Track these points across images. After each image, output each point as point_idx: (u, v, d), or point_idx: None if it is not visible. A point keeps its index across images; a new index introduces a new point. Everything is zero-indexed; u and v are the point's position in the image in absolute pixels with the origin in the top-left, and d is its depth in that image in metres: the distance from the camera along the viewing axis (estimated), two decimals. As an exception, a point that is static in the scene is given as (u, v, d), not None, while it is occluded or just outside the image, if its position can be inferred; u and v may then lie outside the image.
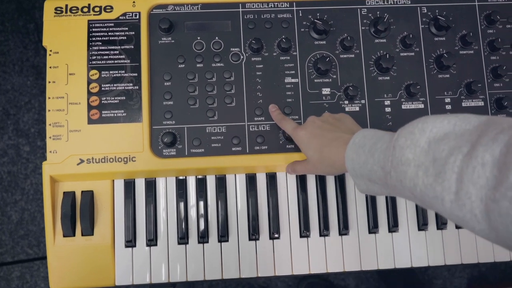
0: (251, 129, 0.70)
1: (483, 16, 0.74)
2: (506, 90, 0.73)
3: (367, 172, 0.50)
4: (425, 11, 0.74)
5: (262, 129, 0.70)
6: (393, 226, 0.70)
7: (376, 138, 0.51)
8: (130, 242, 0.68)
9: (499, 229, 0.37)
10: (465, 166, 0.39)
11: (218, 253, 0.69)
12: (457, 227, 0.72)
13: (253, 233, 0.69)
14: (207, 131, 0.69)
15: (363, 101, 0.71)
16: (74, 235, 0.67)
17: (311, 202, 0.71)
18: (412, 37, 0.71)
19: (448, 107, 0.72)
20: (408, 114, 0.71)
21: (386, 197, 0.72)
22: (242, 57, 0.71)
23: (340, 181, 0.71)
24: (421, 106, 0.72)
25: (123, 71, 0.69)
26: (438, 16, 0.72)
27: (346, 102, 0.71)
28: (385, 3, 0.74)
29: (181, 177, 0.70)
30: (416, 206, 0.72)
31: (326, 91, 0.71)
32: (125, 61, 0.69)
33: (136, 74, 0.69)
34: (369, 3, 0.74)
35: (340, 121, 0.63)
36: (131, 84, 0.69)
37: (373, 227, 0.70)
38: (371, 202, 0.71)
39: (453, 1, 0.75)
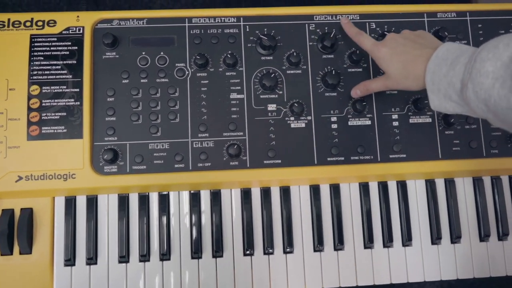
0: (194, 146, 0.70)
1: (432, 32, 0.75)
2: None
3: (445, 85, 0.53)
4: (374, 27, 0.75)
5: (206, 145, 0.70)
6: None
7: (459, 51, 0.53)
8: (69, 261, 0.68)
9: None
10: None
11: (159, 273, 0.69)
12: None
13: (196, 252, 0.69)
14: (149, 147, 0.70)
15: (309, 117, 0.72)
16: (11, 254, 0.67)
17: (255, 220, 0.71)
18: (359, 53, 0.72)
19: (395, 123, 0.73)
20: (354, 131, 0.72)
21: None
22: (187, 72, 0.72)
23: (285, 193, 0.72)
24: (368, 122, 0.72)
25: (65, 87, 0.69)
26: (385, 32, 0.73)
27: (292, 118, 0.72)
28: (334, 18, 0.75)
29: (123, 194, 0.70)
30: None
31: (272, 107, 0.72)
32: (67, 76, 0.70)
33: (78, 90, 0.69)
34: (317, 19, 0.75)
35: (421, 37, 0.63)
36: (73, 100, 0.69)
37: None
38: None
39: (403, 16, 0.76)
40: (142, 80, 0.71)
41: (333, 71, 0.71)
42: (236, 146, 0.69)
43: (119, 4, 1.43)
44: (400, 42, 0.63)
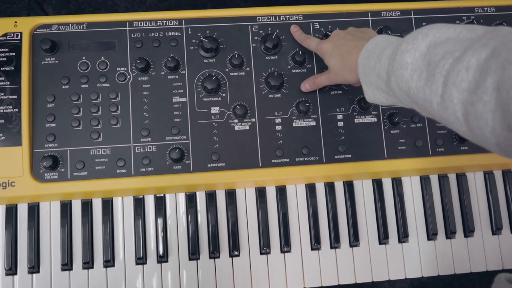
0: (137, 151, 0.71)
1: (376, 31, 0.76)
2: (399, 106, 0.75)
3: (375, 77, 0.55)
4: (318, 27, 0.76)
5: (148, 150, 0.71)
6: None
7: (386, 44, 0.54)
8: (11, 270, 0.68)
9: (476, 132, 0.41)
10: (451, 69, 0.42)
11: (104, 281, 0.69)
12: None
13: (140, 259, 0.70)
14: (91, 153, 0.70)
15: (253, 120, 0.73)
16: (-50, 265, 0.67)
17: (221, 223, 0.72)
18: (301, 53, 0.73)
19: (340, 123, 0.74)
20: (299, 132, 0.73)
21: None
22: (128, 77, 0.72)
23: (231, 196, 0.72)
24: (313, 123, 0.74)
25: (2, 94, 0.70)
26: (327, 33, 0.74)
27: (236, 121, 0.73)
28: (277, 19, 0.76)
29: (65, 201, 0.71)
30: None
31: (215, 110, 0.73)
32: (4, 83, 0.70)
33: (15, 96, 0.70)
34: (260, 20, 0.76)
35: (362, 32, 0.66)
36: (11, 107, 0.70)
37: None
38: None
39: (347, 16, 0.77)
40: (82, 86, 0.72)
41: (276, 72, 0.72)
42: (178, 150, 0.69)
43: (82, 8, 1.43)
44: (342, 36, 0.66)
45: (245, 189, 0.74)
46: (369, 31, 0.67)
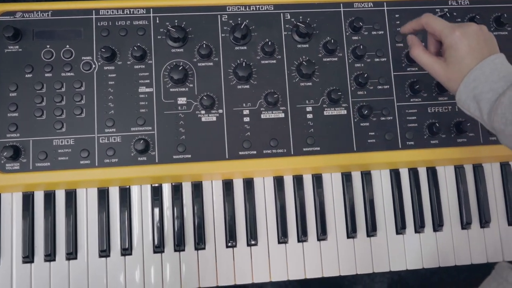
0: (101, 141, 0.71)
1: (348, 23, 0.77)
2: (370, 98, 0.75)
3: (487, 89, 0.58)
4: (288, 18, 0.76)
5: (113, 141, 0.71)
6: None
7: (489, 82, 0.58)
8: (-30, 262, 0.68)
9: None
10: None
11: (65, 274, 0.69)
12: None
13: (103, 251, 0.70)
14: (54, 143, 0.70)
15: (220, 111, 0.73)
16: None
17: (165, 218, 0.72)
18: (271, 44, 0.73)
19: (310, 115, 0.74)
20: (267, 124, 0.73)
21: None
22: (94, 66, 0.72)
23: (197, 188, 0.72)
24: (282, 115, 0.74)
25: (-37, 82, 0.69)
26: (298, 23, 0.74)
27: (203, 112, 0.73)
28: (247, 9, 0.76)
29: (28, 193, 0.71)
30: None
31: (182, 100, 0.73)
32: (-35, 71, 0.69)
33: (-23, 85, 0.69)
34: (230, 10, 0.76)
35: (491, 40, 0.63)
36: (-29, 96, 0.69)
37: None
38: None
39: (318, 7, 0.77)
40: (46, 75, 0.71)
41: (244, 63, 0.72)
42: (143, 141, 0.69)
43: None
44: (480, 39, 0.62)
45: (212, 181, 0.74)
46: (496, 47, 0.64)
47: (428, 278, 1.39)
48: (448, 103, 0.77)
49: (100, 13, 0.74)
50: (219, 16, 0.76)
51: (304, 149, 0.73)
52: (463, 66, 0.61)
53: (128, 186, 0.73)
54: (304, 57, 0.75)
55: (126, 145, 0.71)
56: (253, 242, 0.73)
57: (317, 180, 0.75)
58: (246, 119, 0.73)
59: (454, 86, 0.62)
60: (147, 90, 0.73)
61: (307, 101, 0.75)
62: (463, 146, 0.76)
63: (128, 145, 0.71)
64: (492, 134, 0.77)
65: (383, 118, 0.75)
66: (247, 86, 0.74)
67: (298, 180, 0.75)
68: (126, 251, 0.71)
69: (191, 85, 0.73)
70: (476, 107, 0.59)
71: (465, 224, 0.77)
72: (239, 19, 0.76)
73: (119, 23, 0.74)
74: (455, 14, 0.79)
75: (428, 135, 0.76)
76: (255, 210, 0.74)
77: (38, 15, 0.73)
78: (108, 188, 0.73)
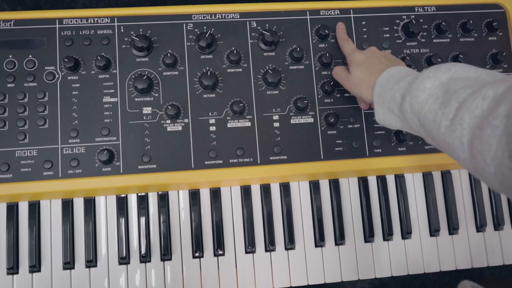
0: (65, 152, 0.70)
1: (314, 30, 0.77)
2: (337, 106, 0.76)
3: (388, 98, 0.59)
4: (255, 26, 0.77)
5: (77, 151, 0.71)
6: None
7: (408, 73, 0.60)
8: None
9: (477, 158, 0.43)
10: (468, 97, 0.46)
11: (29, 287, 0.69)
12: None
13: (67, 263, 0.69)
14: (16, 155, 0.70)
15: (186, 120, 0.73)
16: None
17: (131, 229, 0.72)
18: (236, 52, 0.74)
19: (276, 124, 0.74)
20: (234, 133, 0.73)
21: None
22: (57, 76, 0.72)
23: (162, 198, 0.72)
24: (248, 124, 0.74)
25: None
26: (264, 31, 0.74)
27: (168, 121, 0.73)
28: (213, 17, 0.76)
29: (-10, 205, 0.70)
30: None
31: (147, 110, 0.73)
32: None
33: None
34: (195, 18, 0.76)
35: (397, 61, 0.69)
36: None
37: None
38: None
39: (284, 14, 0.77)
40: (8, 85, 0.71)
41: (209, 72, 0.72)
42: (106, 151, 0.69)
43: (39, 4, 1.42)
44: (376, 55, 0.69)
45: (178, 191, 0.74)
46: (402, 63, 0.70)
47: (409, 282, 1.40)
48: (415, 110, 0.77)
49: (64, 23, 0.74)
50: (184, 24, 0.76)
51: (271, 158, 0.74)
52: (357, 73, 0.68)
53: (93, 197, 0.72)
54: (270, 65, 0.76)
55: (90, 156, 0.71)
56: (220, 252, 0.73)
57: (285, 188, 0.75)
58: (212, 128, 0.74)
59: (364, 93, 0.66)
60: (112, 100, 0.73)
61: (273, 110, 0.75)
62: (430, 153, 0.77)
63: (93, 155, 0.71)
64: (460, 141, 0.77)
65: (350, 126, 0.76)
66: (213, 95, 0.74)
67: (265, 189, 0.75)
68: (91, 263, 0.70)
69: (156, 95, 0.73)
70: (395, 119, 0.61)
71: (434, 231, 0.77)
72: (204, 27, 0.76)
73: (83, 33, 0.74)
74: (421, 21, 0.79)
75: (395, 143, 0.76)
76: (222, 220, 0.74)
77: (0, 24, 0.73)
78: (72, 199, 0.72)
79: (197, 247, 0.72)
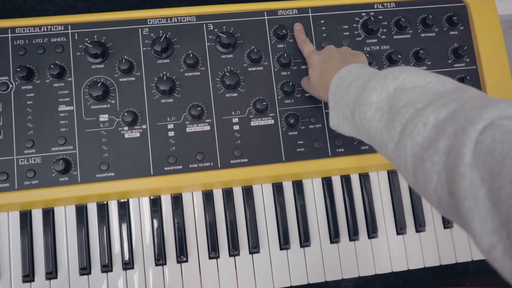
0: (20, 163, 0.70)
1: (272, 31, 0.77)
2: (297, 107, 0.76)
3: (343, 106, 0.57)
4: (211, 28, 0.77)
5: (33, 162, 0.70)
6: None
7: (357, 74, 0.57)
8: None
9: (421, 188, 0.43)
10: (410, 120, 0.44)
11: (-13, 299, 0.69)
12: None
13: (26, 276, 0.69)
14: (-29, 168, 0.69)
15: (144, 126, 0.73)
16: None
17: (92, 239, 0.72)
18: (193, 56, 0.74)
19: (236, 127, 0.75)
20: (193, 137, 0.73)
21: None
22: (11, 86, 0.72)
23: (123, 206, 0.72)
24: (207, 128, 0.74)
25: None
26: (220, 34, 0.74)
27: (126, 128, 0.73)
28: (169, 21, 0.76)
29: None
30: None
31: (104, 117, 0.73)
32: None
33: None
34: (151, 22, 0.76)
35: (353, 56, 0.67)
36: None
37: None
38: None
39: (242, 16, 0.77)
40: (-39, 97, 0.71)
41: (165, 76, 0.72)
42: (62, 161, 0.69)
43: (10, 13, 1.41)
44: (332, 53, 0.68)
45: (138, 198, 0.74)
46: (361, 56, 0.68)
47: (393, 280, 1.40)
48: (377, 108, 0.78)
49: (16, 32, 0.74)
50: (139, 29, 0.76)
51: (232, 162, 0.74)
52: (313, 75, 0.68)
53: (51, 208, 0.72)
54: (228, 67, 0.76)
55: (46, 166, 0.71)
56: (183, 259, 0.73)
57: (247, 192, 0.76)
58: (171, 134, 0.74)
59: (322, 95, 0.66)
60: (67, 108, 0.73)
61: (233, 113, 0.75)
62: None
63: (49, 165, 0.71)
64: (423, 137, 0.78)
65: (311, 126, 0.76)
66: (171, 100, 0.74)
67: (227, 193, 0.75)
68: (51, 274, 0.70)
69: (113, 102, 0.73)
70: (349, 126, 0.58)
71: (400, 230, 0.77)
72: (160, 31, 0.76)
73: (37, 41, 0.74)
74: (381, 17, 0.80)
75: (358, 141, 0.76)
76: (185, 226, 0.74)
77: (-49, 36, 0.73)
78: (30, 210, 0.72)
79: (160, 255, 0.72)
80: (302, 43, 0.76)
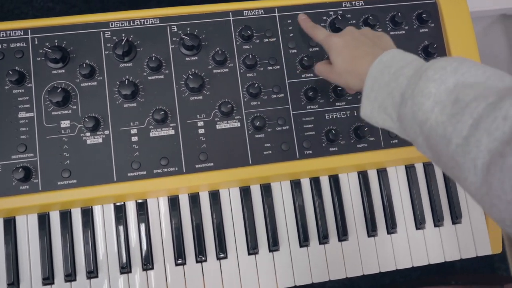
0: (-21, 172, 0.69)
1: (238, 32, 0.76)
2: (264, 109, 0.75)
3: (384, 95, 0.53)
4: (175, 30, 0.76)
5: (-8, 171, 0.69)
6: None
7: (404, 61, 0.53)
8: None
9: (493, 185, 0.40)
10: (485, 114, 0.41)
11: None
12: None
13: (-13, 286, 0.68)
14: None
15: (106, 132, 0.72)
16: None
17: (55, 248, 0.71)
18: (155, 59, 0.73)
19: (201, 130, 0.74)
20: (157, 142, 0.72)
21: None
22: (-31, 93, 0.70)
23: (85, 214, 0.71)
24: (172, 132, 0.73)
25: None
26: (183, 36, 0.73)
27: (88, 134, 0.72)
28: (131, 24, 0.75)
29: None
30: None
31: (65, 124, 0.72)
32: None
33: None
34: (113, 26, 0.75)
35: (379, 37, 0.63)
36: None
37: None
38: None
39: (206, 17, 0.76)
40: None
41: (127, 80, 0.71)
42: (21, 169, 0.68)
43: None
44: (356, 36, 0.63)
45: (102, 205, 0.73)
46: (386, 38, 0.64)
47: (379, 279, 1.40)
48: (346, 108, 0.77)
49: (-26, 38, 0.72)
50: (101, 33, 0.75)
51: (197, 166, 0.73)
52: (339, 60, 0.62)
53: (13, 217, 0.71)
54: (193, 70, 0.75)
55: (6, 175, 0.70)
56: (149, 267, 0.72)
57: (213, 196, 0.75)
58: (134, 139, 0.72)
59: (352, 82, 0.60)
60: (28, 115, 0.71)
61: (198, 116, 0.74)
62: (364, 151, 0.76)
63: (9, 174, 0.70)
64: (394, 137, 0.77)
65: (279, 128, 0.75)
66: (134, 104, 0.73)
67: (193, 198, 0.74)
68: (12, 286, 0.69)
69: (75, 107, 0.72)
70: (385, 118, 0.55)
71: (371, 232, 0.76)
72: (123, 34, 0.75)
73: (-5, 47, 0.72)
74: (349, 16, 0.79)
75: (326, 143, 0.75)
76: (150, 233, 0.73)
77: None
78: (-11, 220, 0.71)
79: (125, 264, 0.71)
80: (313, 29, 0.70)
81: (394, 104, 0.52)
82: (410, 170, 0.79)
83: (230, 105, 0.73)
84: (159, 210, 0.74)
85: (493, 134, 0.40)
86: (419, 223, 0.78)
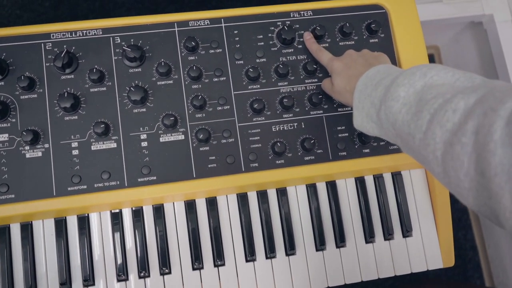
0: None
1: (183, 43, 0.75)
2: (209, 121, 0.75)
3: (368, 105, 0.58)
4: (119, 41, 0.75)
5: None
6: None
7: (386, 73, 0.58)
8: None
9: (450, 174, 0.43)
10: (439, 108, 0.45)
11: None
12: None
13: None
14: None
15: (46, 145, 0.71)
16: None
17: (15, 261, 0.70)
18: (96, 71, 0.72)
19: (144, 144, 0.73)
20: (98, 155, 0.72)
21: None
22: None
23: (24, 229, 0.70)
24: (113, 145, 0.72)
25: None
26: (124, 47, 0.72)
27: (27, 147, 0.71)
28: (73, 35, 0.75)
29: None
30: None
31: (3, 137, 0.71)
32: None
33: None
34: (54, 37, 0.74)
35: (376, 58, 0.68)
36: None
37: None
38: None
39: (151, 28, 0.76)
40: None
41: (66, 93, 0.71)
42: (-44, 184, 0.67)
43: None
44: (353, 58, 0.69)
45: (42, 220, 0.72)
46: (383, 57, 0.69)
47: (365, 286, 1.40)
48: (293, 120, 0.76)
49: None
50: (42, 44, 0.74)
51: (139, 180, 0.72)
52: (338, 81, 0.68)
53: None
54: (136, 82, 0.74)
55: None
56: (90, 283, 0.71)
57: (157, 211, 0.74)
58: (75, 152, 0.72)
59: (349, 99, 0.65)
60: (-35, 128, 0.71)
61: (141, 129, 0.74)
62: (312, 164, 0.76)
63: (-48, 188, 0.69)
64: (342, 149, 0.76)
65: (224, 141, 0.75)
66: (75, 117, 0.73)
67: (135, 213, 0.73)
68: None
69: (14, 120, 0.72)
70: (372, 125, 0.59)
71: (319, 246, 0.76)
72: (65, 46, 0.74)
73: None
74: (297, 26, 0.79)
75: (273, 155, 0.75)
76: (92, 248, 0.72)
77: None
78: None
79: (89, 276, 0.70)
80: (318, 52, 0.76)
81: (375, 112, 0.57)
82: (360, 182, 0.79)
83: (174, 118, 0.72)
84: (101, 225, 0.73)
85: (445, 125, 0.43)
86: (369, 237, 0.77)
